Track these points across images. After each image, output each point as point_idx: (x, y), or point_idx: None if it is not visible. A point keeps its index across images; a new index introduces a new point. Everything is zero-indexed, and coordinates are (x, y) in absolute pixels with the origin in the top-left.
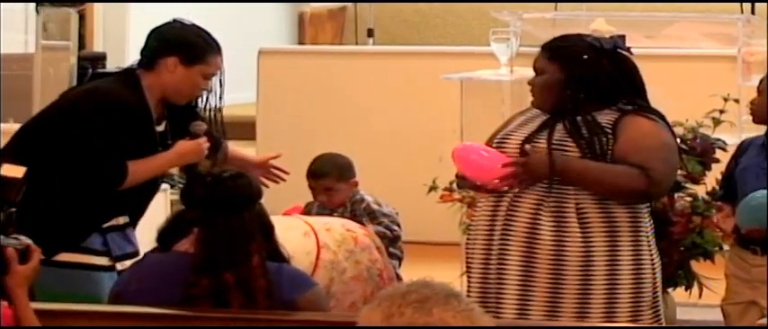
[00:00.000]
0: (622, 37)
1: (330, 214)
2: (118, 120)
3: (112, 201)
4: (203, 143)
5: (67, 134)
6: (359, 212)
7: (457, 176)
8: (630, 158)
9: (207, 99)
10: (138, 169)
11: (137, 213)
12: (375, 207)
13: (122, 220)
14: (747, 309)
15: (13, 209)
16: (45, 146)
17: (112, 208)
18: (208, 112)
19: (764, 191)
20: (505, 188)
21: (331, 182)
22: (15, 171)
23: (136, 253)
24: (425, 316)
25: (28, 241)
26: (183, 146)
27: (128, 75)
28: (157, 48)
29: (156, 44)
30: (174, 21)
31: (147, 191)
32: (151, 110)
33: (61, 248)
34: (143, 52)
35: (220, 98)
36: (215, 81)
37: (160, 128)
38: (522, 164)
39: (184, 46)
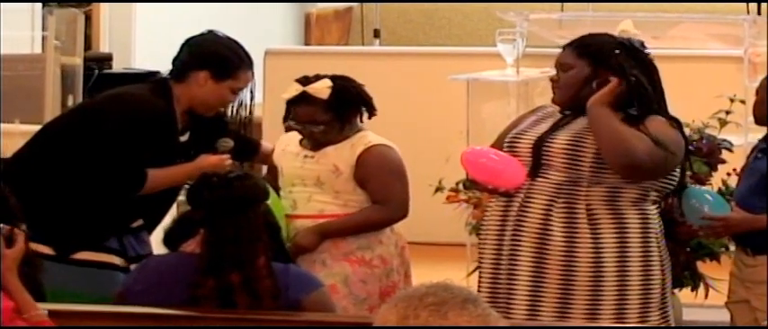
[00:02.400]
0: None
1: None
2: (144, 127)
3: (132, 205)
4: (226, 160)
5: (93, 136)
6: None
7: (467, 179)
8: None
9: (237, 108)
10: (157, 177)
11: (155, 218)
12: None
13: (135, 224)
14: (743, 309)
15: None
16: (70, 147)
17: (132, 211)
18: (237, 118)
19: (702, 190)
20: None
21: None
22: None
23: (150, 256)
24: (441, 320)
25: (8, 226)
26: (204, 160)
27: (159, 83)
28: (189, 61)
29: (188, 57)
30: (209, 32)
31: (166, 197)
32: (177, 119)
33: (79, 247)
34: (175, 62)
35: (250, 110)
36: (245, 91)
37: (183, 138)
38: None
39: (216, 61)
